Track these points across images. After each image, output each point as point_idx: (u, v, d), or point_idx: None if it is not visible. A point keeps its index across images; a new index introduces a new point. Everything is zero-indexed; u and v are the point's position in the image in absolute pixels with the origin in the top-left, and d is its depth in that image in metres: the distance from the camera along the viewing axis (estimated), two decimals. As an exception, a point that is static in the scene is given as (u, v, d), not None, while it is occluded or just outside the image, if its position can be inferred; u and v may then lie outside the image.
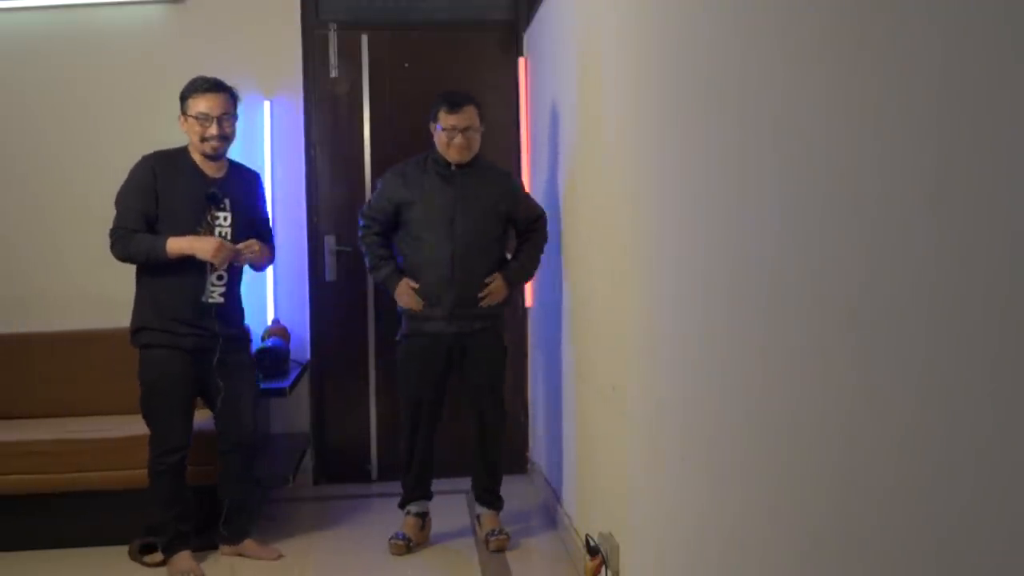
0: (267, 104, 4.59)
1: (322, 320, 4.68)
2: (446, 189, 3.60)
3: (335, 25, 4.64)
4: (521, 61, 4.61)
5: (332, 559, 3.71)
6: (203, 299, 3.41)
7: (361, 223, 3.72)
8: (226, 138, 3.47)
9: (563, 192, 3.71)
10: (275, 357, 4.14)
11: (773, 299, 1.64)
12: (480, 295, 3.61)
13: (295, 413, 4.60)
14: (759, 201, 1.70)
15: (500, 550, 3.69)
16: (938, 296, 1.13)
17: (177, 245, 3.33)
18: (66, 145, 4.51)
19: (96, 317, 4.35)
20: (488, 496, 3.82)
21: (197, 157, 3.48)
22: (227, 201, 3.47)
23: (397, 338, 3.75)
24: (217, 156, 3.48)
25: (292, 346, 4.41)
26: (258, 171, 3.77)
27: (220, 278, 3.46)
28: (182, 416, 3.46)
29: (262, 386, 3.94)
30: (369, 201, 3.76)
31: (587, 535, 3.00)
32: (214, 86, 3.46)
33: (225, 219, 3.46)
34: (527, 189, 4.48)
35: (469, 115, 3.60)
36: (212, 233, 3.41)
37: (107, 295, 4.23)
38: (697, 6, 2.04)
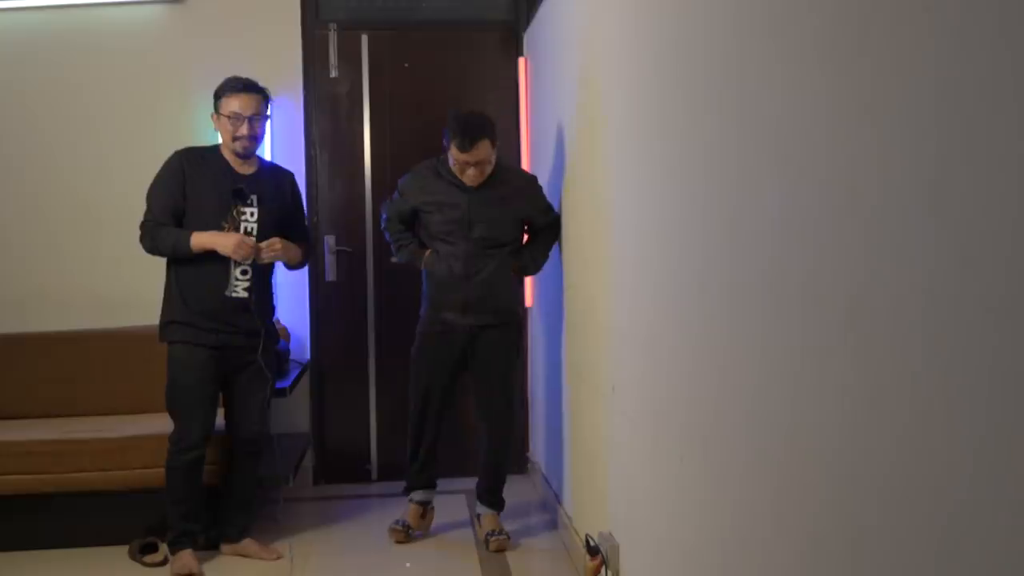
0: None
1: (322, 320, 4.69)
2: (462, 197, 3.61)
3: (335, 25, 4.64)
4: (521, 61, 4.61)
5: (332, 559, 3.71)
6: (227, 293, 3.44)
7: (384, 216, 3.79)
8: (256, 138, 3.51)
9: (563, 192, 3.70)
10: (275, 357, 4.13)
11: (772, 299, 1.64)
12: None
13: (295, 413, 4.60)
14: (759, 201, 1.70)
15: (500, 550, 3.69)
16: (937, 296, 1.13)
17: (199, 240, 3.38)
18: (66, 145, 4.51)
19: (96, 317, 4.35)
20: (490, 496, 3.82)
21: (227, 154, 3.52)
22: (254, 197, 3.50)
23: (418, 328, 3.78)
24: (247, 155, 3.52)
25: (292, 346, 4.41)
26: (291, 171, 3.77)
27: (244, 273, 3.47)
28: (200, 416, 3.46)
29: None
30: (391, 199, 3.78)
31: (587, 535, 3.00)
32: (247, 86, 3.49)
33: (252, 215, 3.48)
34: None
35: (482, 151, 3.52)
36: (237, 228, 3.44)
37: (107, 295, 4.24)
38: (697, 6, 2.04)
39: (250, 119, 3.45)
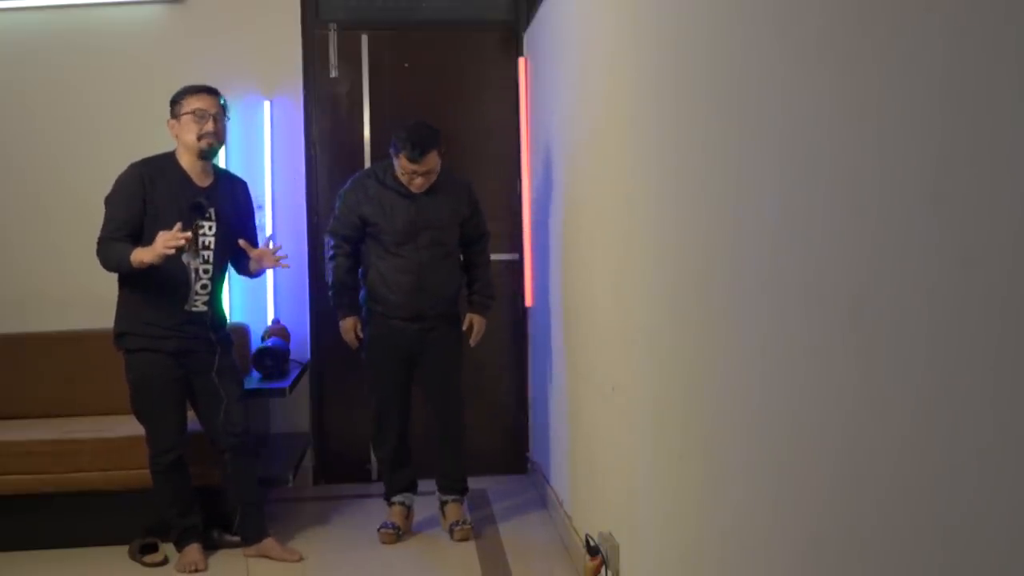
0: (267, 104, 4.59)
1: (322, 320, 4.68)
2: (408, 206, 3.68)
3: (335, 25, 4.64)
4: (521, 61, 4.61)
5: (332, 559, 3.71)
6: (186, 307, 3.45)
7: (331, 243, 3.78)
8: (219, 137, 3.48)
9: (563, 192, 3.71)
10: (275, 357, 4.13)
11: (773, 299, 1.63)
12: (470, 342, 3.87)
13: (295, 413, 4.60)
14: (759, 200, 1.69)
15: (464, 539, 3.76)
16: (939, 295, 1.13)
17: (137, 257, 3.26)
18: (66, 145, 4.51)
19: (95, 317, 4.33)
20: (453, 483, 3.87)
21: (186, 162, 3.47)
22: (212, 211, 3.48)
23: (366, 332, 3.82)
24: (211, 154, 3.49)
25: (292, 346, 4.41)
26: (245, 179, 3.77)
27: (204, 287, 3.49)
28: (171, 417, 3.48)
29: (262, 386, 3.95)
30: (335, 219, 3.80)
31: (587, 535, 3.00)
32: (207, 89, 3.50)
33: (210, 228, 3.48)
34: (525, 189, 4.50)
35: (430, 162, 3.61)
36: (195, 243, 3.41)
37: (107, 295, 4.22)
38: (697, 5, 2.04)
39: (214, 116, 3.45)
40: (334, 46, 4.64)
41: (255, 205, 3.94)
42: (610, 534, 2.84)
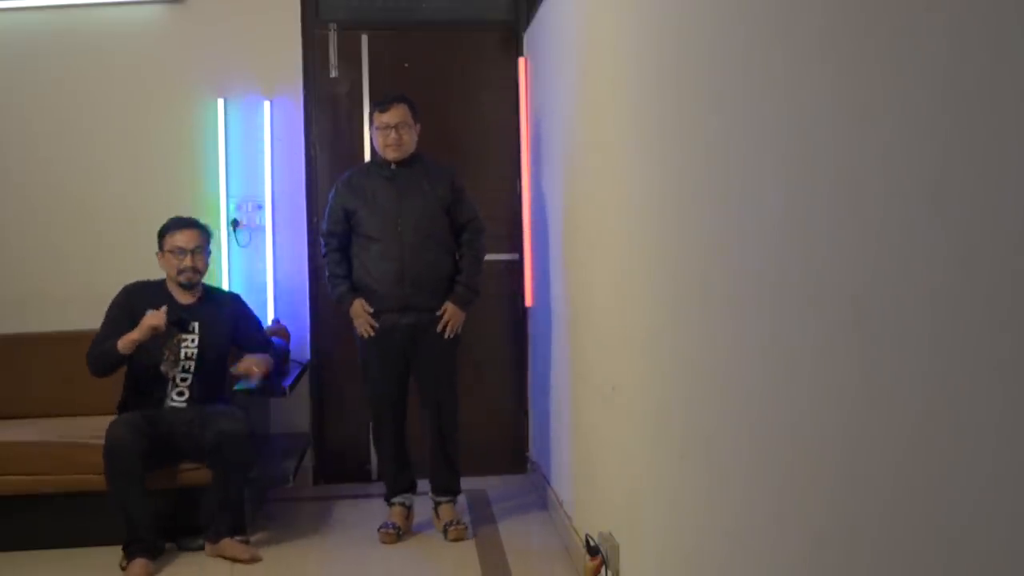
0: (267, 104, 4.59)
1: (322, 320, 4.68)
2: (390, 188, 3.73)
3: (335, 25, 4.64)
4: (521, 61, 4.61)
5: (332, 559, 3.71)
6: (165, 405, 3.68)
7: (322, 243, 3.88)
8: (198, 271, 3.76)
9: (563, 192, 3.71)
10: (275, 357, 4.13)
11: (774, 299, 1.63)
12: (439, 329, 3.74)
13: (295, 413, 4.60)
14: (760, 200, 1.69)
15: (458, 540, 3.75)
16: (941, 296, 1.13)
17: (124, 340, 3.58)
18: (66, 145, 4.52)
19: (96, 317, 4.32)
20: (446, 485, 3.87)
21: (172, 288, 3.75)
22: (195, 324, 3.73)
23: (360, 338, 3.81)
24: (191, 286, 3.76)
25: (292, 346, 4.41)
26: (237, 293, 4.05)
27: (180, 394, 3.69)
28: (137, 423, 3.57)
29: (262, 386, 3.96)
30: (324, 218, 3.89)
31: (587, 535, 3.00)
32: (188, 223, 3.75)
33: (192, 341, 3.71)
34: (525, 189, 4.50)
35: (399, 112, 3.71)
36: (177, 354, 3.68)
37: (107, 295, 4.23)
38: (697, 5, 2.04)
39: (192, 252, 3.71)
40: (334, 46, 4.64)
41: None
42: (610, 534, 2.84)
